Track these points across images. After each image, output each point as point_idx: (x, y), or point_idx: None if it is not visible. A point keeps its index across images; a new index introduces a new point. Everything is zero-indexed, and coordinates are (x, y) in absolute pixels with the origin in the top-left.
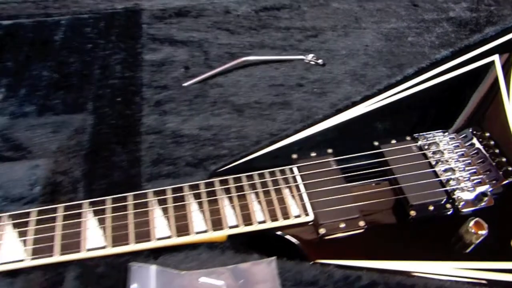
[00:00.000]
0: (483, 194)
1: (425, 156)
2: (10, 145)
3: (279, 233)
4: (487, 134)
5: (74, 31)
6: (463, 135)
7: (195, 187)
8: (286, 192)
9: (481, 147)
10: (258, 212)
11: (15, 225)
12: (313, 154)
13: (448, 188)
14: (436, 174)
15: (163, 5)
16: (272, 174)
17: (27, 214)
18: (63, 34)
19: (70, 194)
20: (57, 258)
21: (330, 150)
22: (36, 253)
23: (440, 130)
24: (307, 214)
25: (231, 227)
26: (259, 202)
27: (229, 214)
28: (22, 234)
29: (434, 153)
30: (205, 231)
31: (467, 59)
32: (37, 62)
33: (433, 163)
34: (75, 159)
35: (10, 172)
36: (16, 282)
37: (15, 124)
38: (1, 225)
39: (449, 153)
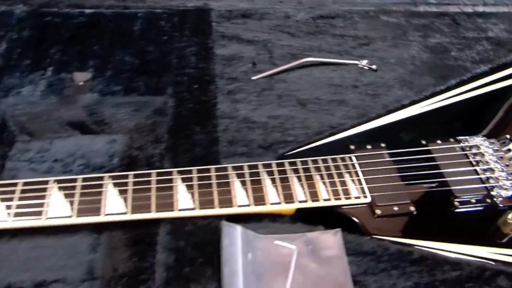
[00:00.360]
0: None
1: (467, 156)
2: (95, 119)
3: (340, 210)
4: None
5: (150, 24)
6: (501, 141)
7: (268, 165)
8: (346, 176)
9: None
10: (323, 191)
11: (115, 184)
12: (368, 147)
13: (487, 185)
14: (477, 172)
15: (230, 7)
16: (334, 160)
17: (125, 176)
18: (140, 25)
19: (145, 167)
20: (153, 214)
21: (383, 144)
22: (135, 209)
23: (480, 135)
24: (365, 196)
25: (300, 202)
26: (324, 183)
27: (298, 191)
28: (122, 192)
29: (475, 154)
30: (278, 203)
31: (504, 75)
32: (119, 49)
33: (474, 163)
34: (149, 137)
35: (92, 144)
36: (101, 238)
37: (103, 100)
38: (104, 183)
39: (489, 155)
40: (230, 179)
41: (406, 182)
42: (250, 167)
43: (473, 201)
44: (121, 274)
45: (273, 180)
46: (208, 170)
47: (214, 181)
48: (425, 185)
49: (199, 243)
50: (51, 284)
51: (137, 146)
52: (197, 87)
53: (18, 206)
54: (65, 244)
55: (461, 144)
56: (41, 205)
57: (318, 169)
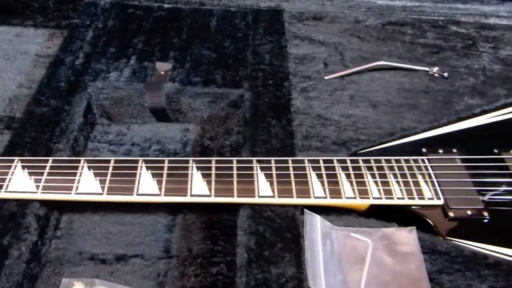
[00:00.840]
0: None
1: None
2: (173, 108)
3: (413, 209)
4: None
5: (226, 21)
6: None
7: (343, 161)
8: (419, 177)
9: None
10: (397, 189)
11: (199, 168)
12: (440, 151)
13: None
14: None
15: (302, 9)
16: (407, 161)
17: (209, 161)
18: (216, 22)
19: (216, 156)
20: (235, 199)
21: (454, 150)
22: (218, 192)
23: None
24: (438, 198)
25: (374, 198)
26: (397, 182)
27: (373, 187)
28: (205, 175)
29: None
30: (353, 198)
31: None
32: (197, 42)
33: None
34: (220, 128)
35: (166, 131)
36: (176, 219)
37: (182, 90)
38: (189, 166)
39: None
40: (307, 171)
41: (479, 188)
42: (325, 161)
43: None
44: (195, 255)
45: (348, 176)
46: (285, 161)
47: (291, 172)
48: (498, 192)
49: (278, 229)
50: (131, 259)
51: (209, 136)
52: (272, 83)
53: (111, 182)
54: (143, 223)
55: None
56: (132, 181)
57: (391, 168)
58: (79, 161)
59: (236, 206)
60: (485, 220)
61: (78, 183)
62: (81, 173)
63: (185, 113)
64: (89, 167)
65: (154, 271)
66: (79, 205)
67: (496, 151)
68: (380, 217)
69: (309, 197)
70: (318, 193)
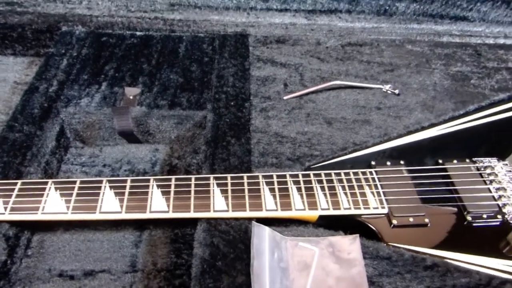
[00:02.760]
0: None
1: (481, 175)
2: (141, 130)
3: (359, 218)
4: None
5: (194, 46)
6: None
7: (295, 176)
8: (366, 188)
9: None
10: (344, 200)
11: (159, 186)
12: (388, 163)
13: (499, 202)
14: (490, 190)
15: (266, 33)
16: (356, 174)
17: (168, 179)
18: (185, 47)
19: (183, 175)
20: (191, 214)
21: (402, 162)
22: (175, 208)
23: (495, 158)
24: (383, 207)
25: (323, 209)
26: (345, 193)
27: (322, 199)
28: (165, 193)
29: (489, 174)
30: (303, 209)
31: None
32: (166, 67)
33: (488, 182)
34: (188, 148)
35: (137, 152)
36: (143, 235)
37: (149, 113)
38: (149, 184)
39: (502, 175)
40: (260, 186)
41: (422, 197)
42: (278, 176)
43: (485, 216)
44: (160, 268)
45: (299, 189)
46: (241, 177)
47: (246, 187)
48: (440, 199)
49: (232, 241)
50: (98, 274)
51: (177, 155)
52: (233, 104)
53: (76, 201)
54: (111, 239)
55: (476, 165)
56: (95, 200)
57: (340, 180)
58: (46, 183)
59: (196, 221)
60: (427, 226)
61: (44, 203)
62: (48, 194)
63: (154, 134)
64: (56, 188)
65: (120, 285)
66: (50, 225)
67: (440, 161)
68: (329, 227)
69: (261, 210)
70: (270, 206)
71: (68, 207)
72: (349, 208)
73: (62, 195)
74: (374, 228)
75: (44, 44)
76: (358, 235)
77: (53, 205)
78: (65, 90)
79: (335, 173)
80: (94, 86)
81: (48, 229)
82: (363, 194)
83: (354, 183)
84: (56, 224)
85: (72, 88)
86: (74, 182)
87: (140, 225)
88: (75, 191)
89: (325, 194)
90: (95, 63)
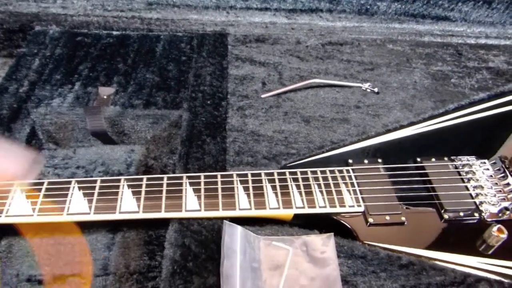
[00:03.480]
0: (506, 208)
1: (459, 173)
2: (116, 130)
3: (335, 217)
4: None
5: (171, 45)
6: (492, 161)
7: (270, 174)
8: (343, 187)
9: (507, 171)
10: (320, 199)
11: (130, 186)
12: (365, 161)
13: (476, 200)
14: (467, 188)
15: (246, 32)
16: (332, 172)
17: (140, 179)
18: (162, 46)
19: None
20: (162, 214)
21: (379, 160)
22: (146, 208)
23: (473, 156)
24: (359, 206)
25: (297, 208)
26: (321, 191)
27: (297, 198)
28: (135, 193)
29: (467, 172)
30: (277, 208)
31: (500, 102)
32: (142, 67)
33: (466, 180)
34: (164, 148)
35: (112, 153)
36: (116, 237)
37: (124, 113)
38: (120, 185)
39: (479, 173)
40: (235, 185)
41: (399, 195)
42: (253, 175)
43: (462, 214)
44: (132, 271)
45: (274, 188)
46: (215, 177)
47: (219, 186)
48: (417, 197)
49: (203, 241)
50: (68, 278)
51: (153, 156)
52: (210, 103)
53: (42, 203)
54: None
55: (454, 163)
56: (63, 202)
57: (316, 179)
58: (12, 185)
59: (167, 221)
60: (403, 225)
61: (9, 206)
62: (13, 196)
63: (129, 135)
64: (22, 190)
65: None
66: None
67: (418, 159)
68: (305, 226)
69: (235, 209)
70: (244, 205)
71: (34, 209)
72: (325, 207)
73: (28, 196)
74: (349, 227)
75: (17, 45)
76: (332, 234)
77: (18, 207)
78: (36, 90)
79: (311, 171)
80: (67, 86)
81: (17, 233)
82: (339, 192)
83: (330, 181)
84: (25, 228)
85: (44, 88)
86: (42, 184)
87: (113, 227)
88: (42, 192)
89: (300, 193)
90: (69, 63)
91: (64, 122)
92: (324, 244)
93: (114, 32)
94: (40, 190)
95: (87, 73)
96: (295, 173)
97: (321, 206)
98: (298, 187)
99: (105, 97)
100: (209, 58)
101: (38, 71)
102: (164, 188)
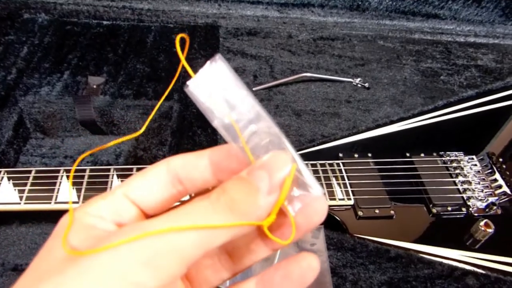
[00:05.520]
0: (493, 203)
1: (447, 169)
2: (105, 120)
3: None
4: (501, 159)
5: (162, 36)
6: (480, 157)
7: None
8: (333, 180)
9: (494, 167)
10: None
11: (119, 176)
12: (356, 155)
13: (464, 195)
14: (455, 184)
15: (237, 25)
16: (323, 165)
17: (130, 169)
18: (153, 37)
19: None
20: None
21: (369, 154)
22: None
23: (461, 152)
24: (349, 199)
25: None
26: None
27: None
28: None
29: (455, 168)
30: None
31: (488, 100)
32: (132, 57)
33: (454, 175)
34: (154, 139)
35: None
36: None
37: (114, 103)
38: (110, 174)
39: (467, 169)
40: None
41: (388, 189)
42: None
43: (450, 209)
44: None
45: None
46: None
47: None
48: (406, 192)
49: None
50: None
51: (143, 147)
52: None
53: (30, 191)
54: None
55: (443, 158)
56: (51, 191)
57: None
58: None
59: None
60: (392, 218)
61: None
62: (0, 183)
63: (118, 125)
64: (9, 178)
65: None
66: (5, 217)
67: (408, 154)
68: None
69: None
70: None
71: (21, 197)
72: None
73: (15, 184)
74: (339, 220)
75: (5, 32)
76: (322, 226)
77: (6, 195)
78: (24, 78)
79: None
80: (56, 75)
81: (2, 222)
82: (329, 186)
83: (321, 175)
84: (11, 217)
85: (32, 76)
86: (29, 172)
87: None
88: (30, 180)
89: None
90: (58, 51)
91: (52, 111)
92: (314, 236)
93: (104, 22)
94: (27, 178)
95: (76, 62)
96: None
97: None
98: None
99: (94, 86)
100: (200, 50)
101: (26, 59)
102: (110, 179)
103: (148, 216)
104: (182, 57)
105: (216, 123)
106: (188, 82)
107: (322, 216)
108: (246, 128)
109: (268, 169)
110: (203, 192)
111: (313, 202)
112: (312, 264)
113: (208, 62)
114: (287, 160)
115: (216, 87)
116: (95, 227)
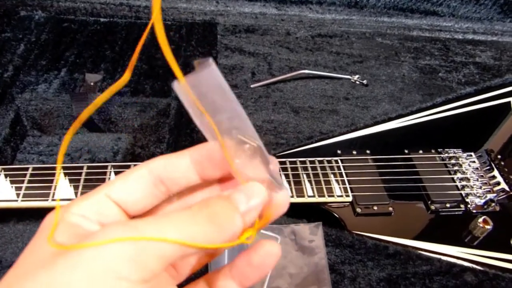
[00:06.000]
0: (491, 200)
1: (445, 166)
2: (103, 118)
3: (324, 206)
4: (499, 156)
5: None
6: (478, 154)
7: None
8: (331, 177)
9: (492, 164)
10: (308, 188)
11: (116, 173)
12: (354, 152)
13: (462, 192)
14: (453, 180)
15: (235, 22)
16: (321, 162)
17: (128, 166)
18: (151, 35)
19: None
20: None
21: (368, 151)
22: None
23: (459, 149)
24: (347, 196)
25: None
26: (310, 181)
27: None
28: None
29: (453, 165)
30: None
31: (487, 97)
32: (130, 54)
33: (452, 172)
34: (152, 137)
35: (98, 141)
36: None
37: (111, 100)
38: (107, 171)
39: (466, 166)
40: None
41: (386, 185)
42: None
43: (448, 205)
44: None
45: None
46: None
47: None
48: (404, 189)
49: None
50: None
51: (140, 144)
52: None
53: (27, 188)
54: None
55: (441, 155)
56: (48, 188)
57: (305, 168)
58: None
59: None
60: (390, 215)
61: None
62: None
63: (116, 122)
64: (6, 175)
65: None
66: (2, 215)
67: (406, 151)
68: (293, 215)
69: None
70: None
71: (18, 194)
72: (313, 196)
73: (12, 181)
74: (338, 216)
75: (2, 30)
76: (321, 223)
77: (3, 192)
78: (21, 75)
79: (300, 161)
80: (53, 72)
81: (0, 220)
82: (327, 182)
83: (319, 171)
84: (8, 215)
85: (29, 74)
86: (26, 169)
87: None
88: (27, 178)
89: (289, 182)
90: (55, 49)
91: (49, 108)
92: (312, 233)
93: (102, 19)
94: (25, 175)
95: (73, 60)
96: (284, 163)
97: (309, 195)
98: (287, 176)
99: (92, 83)
100: (198, 47)
101: (23, 56)
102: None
103: (130, 215)
104: (168, 50)
105: (198, 123)
106: (176, 81)
107: (284, 208)
108: (229, 131)
109: (247, 194)
110: (187, 191)
111: (277, 196)
112: (270, 250)
113: (199, 65)
114: (263, 190)
115: (203, 89)
116: (79, 226)
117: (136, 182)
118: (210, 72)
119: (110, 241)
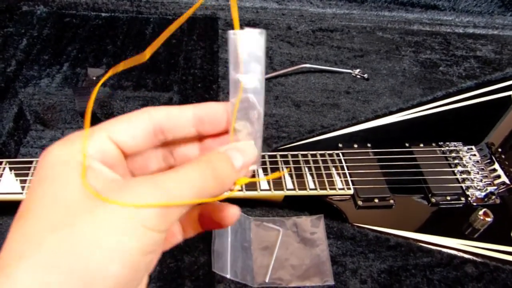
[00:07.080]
0: (491, 193)
1: (446, 159)
2: (105, 112)
3: (325, 199)
4: (500, 150)
5: (161, 28)
6: (479, 147)
7: (261, 157)
8: (333, 170)
9: (493, 157)
10: (310, 181)
11: None
12: (355, 146)
13: (463, 185)
14: (454, 173)
15: None
16: (323, 155)
17: None
18: (152, 29)
19: None
20: None
21: (369, 145)
22: None
23: (460, 142)
24: (349, 188)
25: (288, 190)
26: (312, 174)
27: (287, 180)
28: None
29: (454, 158)
30: (268, 190)
31: (487, 91)
32: (131, 49)
33: (453, 165)
34: None
35: None
36: None
37: (113, 94)
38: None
39: (466, 159)
40: None
41: (387, 178)
42: None
43: (449, 198)
44: None
45: (265, 170)
46: None
47: None
48: (405, 181)
49: None
50: None
51: None
52: (200, 86)
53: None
54: None
55: (442, 148)
56: None
57: (307, 162)
58: (0, 163)
59: None
60: (391, 208)
61: None
62: (2, 174)
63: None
64: (11, 168)
65: None
66: (7, 208)
67: (407, 144)
68: (295, 208)
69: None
70: (235, 187)
71: (23, 187)
72: (315, 189)
73: (17, 175)
74: (339, 209)
75: (4, 25)
76: (322, 215)
77: (8, 185)
78: (24, 70)
79: (301, 155)
80: (55, 66)
81: (5, 213)
82: (329, 176)
83: (321, 165)
84: (13, 207)
85: (32, 68)
86: (31, 162)
87: None
88: (31, 171)
89: (291, 175)
90: (57, 43)
91: (52, 103)
92: (314, 225)
93: (103, 14)
94: (29, 169)
95: (75, 54)
96: (285, 156)
97: (311, 188)
98: (289, 169)
99: (94, 78)
100: (199, 42)
101: (25, 51)
102: None
103: (125, 155)
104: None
105: (231, 75)
106: (234, 31)
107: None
108: (245, 94)
109: (242, 152)
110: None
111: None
112: (232, 211)
113: (257, 30)
114: (255, 150)
115: (250, 49)
116: (89, 167)
117: (138, 128)
118: (260, 38)
119: (146, 205)
